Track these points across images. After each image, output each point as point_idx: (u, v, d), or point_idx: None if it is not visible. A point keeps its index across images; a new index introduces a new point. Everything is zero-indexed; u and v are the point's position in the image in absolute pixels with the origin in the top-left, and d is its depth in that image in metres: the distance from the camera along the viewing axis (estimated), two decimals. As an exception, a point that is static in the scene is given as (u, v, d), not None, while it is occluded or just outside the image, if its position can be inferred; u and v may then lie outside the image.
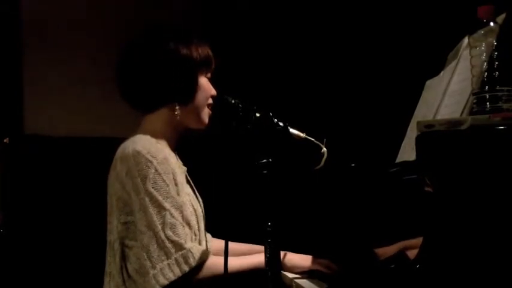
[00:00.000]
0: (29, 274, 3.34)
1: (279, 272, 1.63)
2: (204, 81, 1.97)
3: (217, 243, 2.13)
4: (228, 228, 1.71)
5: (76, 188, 3.47)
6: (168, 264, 1.75)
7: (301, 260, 1.96)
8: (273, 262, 1.59)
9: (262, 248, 1.62)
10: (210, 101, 1.98)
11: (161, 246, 1.76)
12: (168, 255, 1.75)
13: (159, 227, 1.76)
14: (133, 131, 1.95)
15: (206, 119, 1.98)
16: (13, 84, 3.51)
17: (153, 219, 1.77)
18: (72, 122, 3.61)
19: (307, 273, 1.93)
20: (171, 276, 1.74)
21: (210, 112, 1.99)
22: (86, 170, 3.43)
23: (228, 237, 1.73)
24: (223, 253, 1.72)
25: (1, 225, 3.34)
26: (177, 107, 1.93)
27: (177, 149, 2.01)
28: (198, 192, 2.04)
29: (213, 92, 1.99)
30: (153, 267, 1.75)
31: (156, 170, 1.80)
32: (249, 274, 1.89)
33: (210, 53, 2.00)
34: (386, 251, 1.70)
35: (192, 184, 2.03)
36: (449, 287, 1.32)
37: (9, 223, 3.36)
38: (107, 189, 1.93)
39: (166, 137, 1.95)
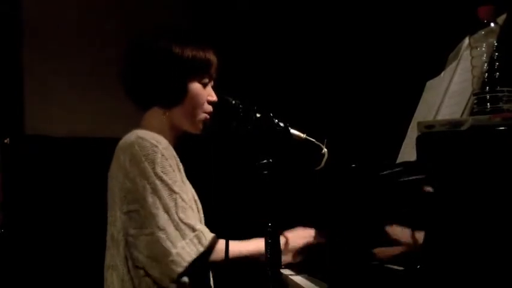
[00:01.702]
0: (29, 274, 3.34)
1: (279, 272, 1.64)
2: (195, 87, 1.96)
3: None
4: (228, 228, 1.71)
5: (76, 188, 3.47)
6: (186, 243, 1.78)
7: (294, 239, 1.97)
8: (273, 262, 1.59)
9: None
10: (207, 107, 1.98)
11: (176, 227, 1.79)
12: (183, 236, 1.79)
13: (173, 210, 1.80)
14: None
15: (200, 125, 1.98)
16: (13, 85, 3.51)
17: (166, 201, 1.80)
18: (72, 122, 3.61)
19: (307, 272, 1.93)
20: (193, 254, 1.77)
21: (207, 117, 1.98)
22: (86, 170, 3.44)
23: (228, 237, 1.73)
24: None
25: (1, 225, 3.34)
26: (164, 110, 1.96)
27: (177, 148, 2.01)
28: (199, 192, 2.05)
29: (212, 98, 1.98)
30: (175, 247, 1.77)
31: (163, 155, 1.84)
32: (249, 274, 1.89)
33: (209, 58, 1.97)
34: (385, 251, 1.71)
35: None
36: (450, 287, 1.32)
37: (9, 223, 3.37)
38: (106, 188, 1.94)
39: (164, 134, 1.95)
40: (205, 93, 1.98)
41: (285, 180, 1.93)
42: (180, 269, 1.76)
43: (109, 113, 3.55)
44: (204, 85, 1.98)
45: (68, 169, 3.50)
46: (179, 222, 1.79)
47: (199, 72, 1.95)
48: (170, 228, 1.78)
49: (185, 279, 1.81)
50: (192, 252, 1.77)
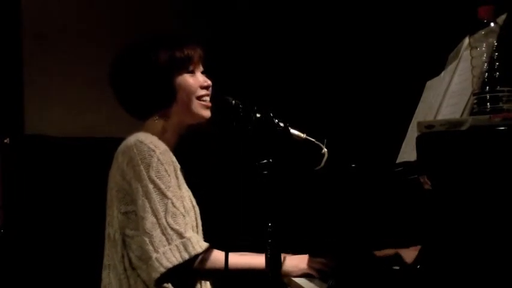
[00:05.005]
0: (29, 274, 3.34)
1: (279, 273, 1.63)
2: (183, 78, 1.95)
3: None
4: (228, 229, 1.71)
5: (76, 188, 3.47)
6: (170, 249, 1.78)
7: (297, 263, 1.94)
8: (274, 263, 1.59)
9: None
10: (201, 91, 1.96)
11: (163, 232, 1.79)
12: (169, 241, 1.79)
13: (162, 214, 1.80)
14: (133, 131, 1.96)
15: (202, 112, 1.97)
16: (13, 85, 3.51)
17: (156, 206, 1.80)
18: (72, 122, 3.61)
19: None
20: (174, 261, 1.77)
21: (207, 104, 1.97)
22: (86, 170, 3.43)
23: (228, 237, 1.73)
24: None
25: (1, 225, 3.34)
26: (162, 116, 1.96)
27: (177, 149, 2.01)
28: (199, 193, 2.05)
29: (203, 83, 1.97)
30: (156, 251, 1.78)
31: (159, 160, 1.84)
32: (249, 274, 1.89)
33: (187, 53, 1.95)
34: (385, 253, 1.71)
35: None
36: (450, 287, 1.32)
37: (9, 223, 3.36)
38: (106, 188, 1.95)
39: (164, 139, 1.95)
40: (196, 80, 1.96)
41: (285, 181, 1.92)
42: (156, 275, 1.77)
43: (109, 113, 3.54)
44: (191, 73, 1.97)
45: (67, 169, 3.49)
46: (167, 227, 1.79)
47: (181, 67, 1.95)
48: (156, 232, 1.79)
49: (167, 284, 1.81)
50: (174, 259, 1.77)
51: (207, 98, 1.97)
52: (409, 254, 1.50)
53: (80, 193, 3.43)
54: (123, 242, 1.87)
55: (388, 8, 3.11)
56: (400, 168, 1.66)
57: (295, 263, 1.93)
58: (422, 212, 1.43)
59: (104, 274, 1.93)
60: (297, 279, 1.87)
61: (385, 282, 1.49)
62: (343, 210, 1.83)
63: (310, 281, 1.84)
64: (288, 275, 1.94)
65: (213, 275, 1.87)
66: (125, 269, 1.86)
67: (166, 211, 1.80)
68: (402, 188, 1.57)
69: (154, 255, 1.77)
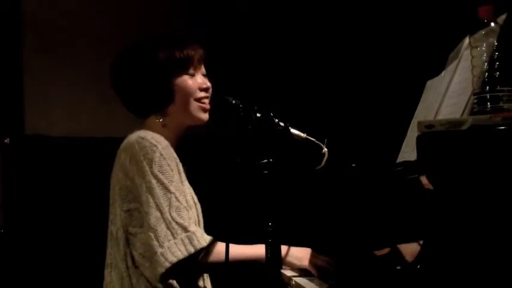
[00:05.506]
0: (29, 274, 3.34)
1: (279, 272, 1.63)
2: (182, 80, 1.95)
3: None
4: (229, 228, 1.71)
5: (76, 188, 3.47)
6: (175, 243, 1.78)
7: (301, 256, 1.94)
8: (274, 262, 1.59)
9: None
10: (199, 94, 1.97)
11: (168, 226, 1.79)
12: (174, 236, 1.78)
13: (166, 208, 1.80)
14: (133, 131, 1.96)
15: (199, 114, 1.97)
16: (13, 85, 3.51)
17: (160, 200, 1.80)
18: (72, 122, 3.61)
19: (306, 272, 1.93)
20: (179, 254, 1.77)
21: (205, 107, 1.97)
22: (86, 170, 3.44)
23: (228, 237, 1.73)
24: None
25: (1, 225, 3.34)
26: (160, 116, 1.96)
27: (178, 150, 2.01)
28: (199, 192, 2.05)
29: (202, 85, 1.97)
30: (161, 246, 1.77)
31: (161, 155, 1.84)
32: (249, 274, 1.89)
33: (187, 54, 1.96)
34: (383, 252, 1.71)
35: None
36: (450, 287, 1.32)
37: (9, 223, 3.37)
38: (106, 188, 1.95)
39: (165, 138, 1.95)
40: (195, 83, 1.96)
41: (286, 180, 1.93)
42: (161, 269, 1.76)
43: (109, 113, 3.55)
44: (191, 75, 1.97)
45: (67, 169, 3.50)
46: (171, 221, 1.79)
47: (181, 68, 1.95)
48: (161, 227, 1.78)
49: (172, 280, 1.81)
50: (179, 253, 1.77)
51: (206, 101, 1.98)
52: (408, 249, 1.50)
53: (80, 193, 3.44)
54: (126, 240, 1.87)
55: (388, 7, 3.10)
56: (400, 168, 1.66)
57: (299, 255, 1.93)
58: (422, 212, 1.43)
59: (106, 272, 1.93)
60: (297, 279, 1.87)
61: (386, 282, 1.49)
62: (344, 209, 1.83)
63: (311, 280, 1.84)
64: (290, 266, 1.94)
65: (217, 267, 1.86)
66: (127, 267, 1.86)
67: (170, 205, 1.80)
68: (402, 188, 1.57)
69: (159, 250, 1.77)
